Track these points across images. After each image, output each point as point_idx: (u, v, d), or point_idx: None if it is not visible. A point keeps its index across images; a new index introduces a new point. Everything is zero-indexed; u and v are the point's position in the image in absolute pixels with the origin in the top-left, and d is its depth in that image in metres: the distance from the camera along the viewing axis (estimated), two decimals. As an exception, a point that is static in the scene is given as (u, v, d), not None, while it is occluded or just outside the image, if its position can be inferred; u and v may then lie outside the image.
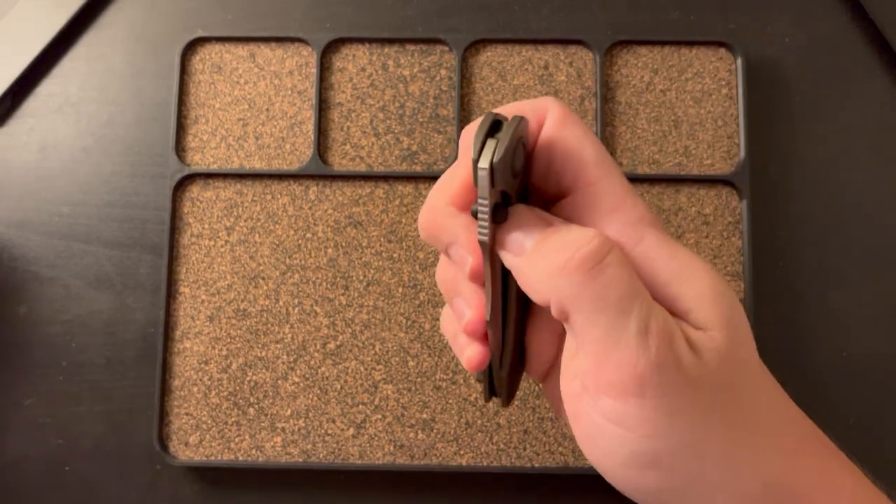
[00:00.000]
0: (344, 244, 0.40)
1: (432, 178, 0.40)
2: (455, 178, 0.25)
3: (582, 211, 0.23)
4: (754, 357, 0.23)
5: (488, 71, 0.41)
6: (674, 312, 0.22)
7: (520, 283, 0.23)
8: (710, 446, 0.21)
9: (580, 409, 0.23)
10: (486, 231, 0.23)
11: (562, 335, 0.26)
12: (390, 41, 0.42)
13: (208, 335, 0.39)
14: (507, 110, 0.24)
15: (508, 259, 0.23)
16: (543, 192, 0.25)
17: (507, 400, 0.29)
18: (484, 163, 0.21)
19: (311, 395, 0.39)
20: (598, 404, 0.22)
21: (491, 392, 0.29)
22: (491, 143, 0.21)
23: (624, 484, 0.23)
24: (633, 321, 0.21)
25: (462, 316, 0.25)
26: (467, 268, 0.24)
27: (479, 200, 0.22)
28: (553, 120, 0.24)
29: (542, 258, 0.22)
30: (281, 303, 0.39)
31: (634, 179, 0.39)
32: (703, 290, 0.22)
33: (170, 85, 0.42)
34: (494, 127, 0.22)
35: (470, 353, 0.26)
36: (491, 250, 0.24)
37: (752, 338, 0.23)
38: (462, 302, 0.25)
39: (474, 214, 0.23)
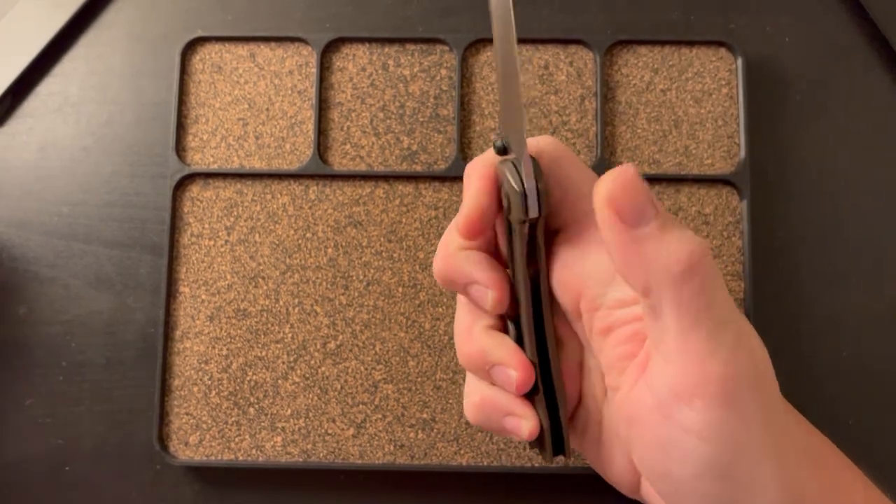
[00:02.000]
0: (344, 244, 0.40)
1: (432, 178, 0.40)
2: (461, 213, 0.24)
3: (582, 235, 0.23)
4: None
5: (488, 71, 0.41)
6: None
7: (621, 260, 0.21)
8: (767, 460, 0.21)
9: (649, 420, 0.22)
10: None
11: (581, 364, 0.26)
12: (390, 41, 0.42)
13: (208, 335, 0.39)
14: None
15: (614, 229, 0.21)
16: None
17: (570, 450, 0.27)
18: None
19: (311, 395, 0.39)
20: (677, 415, 0.21)
21: (557, 447, 0.26)
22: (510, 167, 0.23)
23: (691, 494, 0.22)
24: (729, 334, 0.20)
25: (508, 379, 0.24)
26: (490, 300, 0.23)
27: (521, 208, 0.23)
28: (549, 157, 0.24)
29: (663, 248, 0.20)
30: (281, 302, 0.39)
31: (634, 179, 0.40)
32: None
33: (170, 85, 0.42)
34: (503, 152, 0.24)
35: (530, 417, 0.24)
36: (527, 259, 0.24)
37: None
38: (500, 369, 0.24)
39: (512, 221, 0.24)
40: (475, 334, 0.25)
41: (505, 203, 0.24)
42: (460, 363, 0.27)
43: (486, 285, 0.24)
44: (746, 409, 0.21)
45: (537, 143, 0.25)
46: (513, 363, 0.24)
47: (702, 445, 0.21)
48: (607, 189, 0.20)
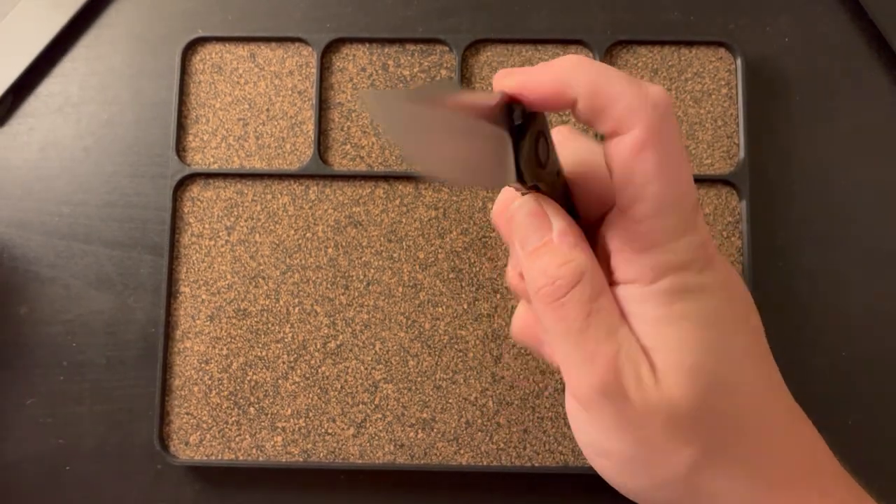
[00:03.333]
0: (344, 244, 0.40)
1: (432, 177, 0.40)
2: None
3: (616, 231, 0.23)
4: (733, 401, 0.22)
5: (488, 71, 0.41)
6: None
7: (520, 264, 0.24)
8: (658, 468, 0.22)
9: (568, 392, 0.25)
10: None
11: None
12: (390, 41, 0.42)
13: (209, 335, 0.39)
14: (602, 84, 0.21)
15: (513, 242, 0.24)
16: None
17: None
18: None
19: (311, 395, 0.39)
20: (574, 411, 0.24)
21: None
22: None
23: (594, 467, 0.25)
24: (579, 352, 0.22)
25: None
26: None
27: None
28: (633, 141, 0.21)
29: (530, 269, 0.23)
30: (281, 302, 0.39)
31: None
32: (675, 362, 0.22)
33: (170, 85, 0.42)
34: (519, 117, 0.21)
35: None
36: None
37: (736, 382, 0.22)
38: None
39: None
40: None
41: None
42: (509, 286, 0.28)
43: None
44: (607, 419, 0.22)
45: (629, 105, 0.22)
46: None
47: (582, 426, 0.24)
48: (514, 213, 0.24)
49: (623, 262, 0.22)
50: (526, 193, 0.24)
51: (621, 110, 0.20)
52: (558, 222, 0.23)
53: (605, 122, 0.21)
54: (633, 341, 0.22)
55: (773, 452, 0.23)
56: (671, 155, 0.21)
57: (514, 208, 0.24)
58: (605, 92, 0.21)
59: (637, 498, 0.24)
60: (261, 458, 0.38)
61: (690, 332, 0.22)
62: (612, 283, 0.23)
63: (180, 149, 0.41)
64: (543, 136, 0.22)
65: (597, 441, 0.23)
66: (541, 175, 0.22)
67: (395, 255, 0.40)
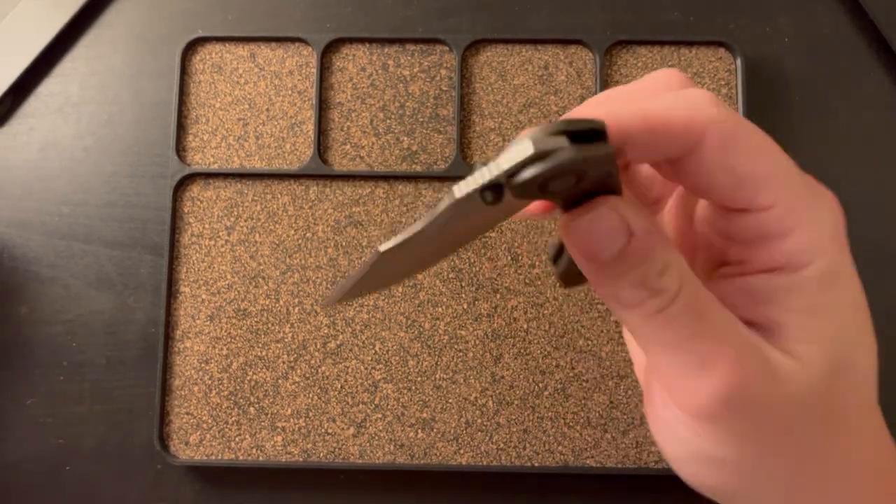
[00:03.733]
0: (344, 244, 0.40)
1: (432, 178, 0.40)
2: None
3: (740, 219, 0.20)
4: (860, 398, 0.20)
5: (488, 71, 0.41)
6: (763, 325, 0.20)
7: (591, 280, 0.20)
8: (775, 482, 0.20)
9: (655, 398, 0.22)
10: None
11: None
12: (390, 41, 0.42)
13: (209, 335, 0.39)
14: (654, 104, 0.19)
15: (576, 257, 0.20)
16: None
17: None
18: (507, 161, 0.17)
19: (311, 395, 0.39)
20: (672, 407, 0.21)
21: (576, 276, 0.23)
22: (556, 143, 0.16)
23: (692, 478, 0.22)
24: (694, 358, 0.19)
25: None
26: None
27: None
28: (710, 153, 0.19)
29: (611, 285, 0.20)
30: (281, 302, 0.39)
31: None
32: (825, 354, 0.20)
33: (170, 85, 0.42)
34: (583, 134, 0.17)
35: None
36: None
37: (867, 376, 0.20)
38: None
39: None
40: None
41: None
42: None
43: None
44: (733, 426, 0.19)
45: (694, 117, 0.20)
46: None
47: (694, 438, 0.21)
48: (573, 228, 0.19)
49: (760, 251, 0.20)
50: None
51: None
52: (638, 220, 0.19)
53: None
54: (750, 336, 0.20)
55: (865, 460, 0.21)
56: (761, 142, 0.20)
57: (564, 220, 0.19)
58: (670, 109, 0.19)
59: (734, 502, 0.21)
60: (261, 458, 0.38)
61: (845, 322, 0.20)
62: (742, 273, 0.20)
63: (180, 149, 0.41)
64: (577, 174, 0.18)
65: (715, 452, 0.20)
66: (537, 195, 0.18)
67: (395, 255, 0.40)
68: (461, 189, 0.17)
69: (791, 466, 0.20)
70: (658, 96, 0.20)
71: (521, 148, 0.16)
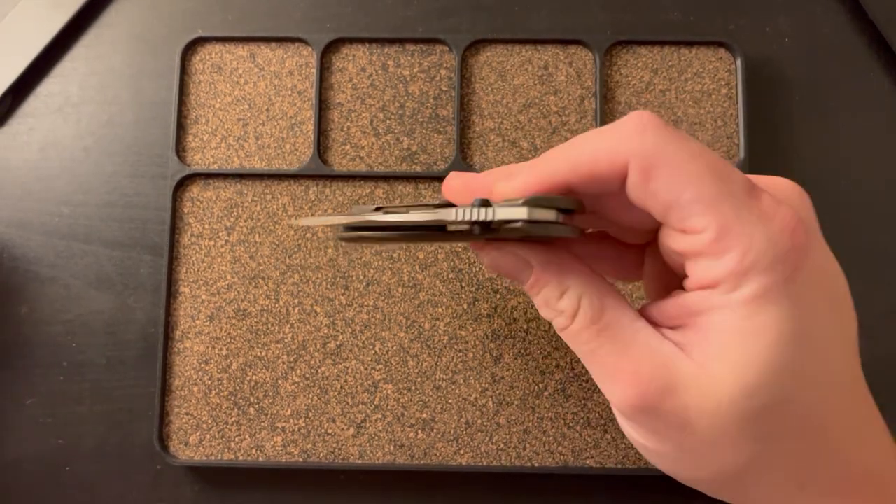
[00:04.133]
0: (344, 244, 0.40)
1: (432, 178, 0.40)
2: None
3: (676, 237, 0.22)
4: (789, 426, 0.21)
5: (488, 71, 0.41)
6: (690, 338, 0.22)
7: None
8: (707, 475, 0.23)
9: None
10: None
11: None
12: (390, 41, 0.42)
13: (208, 335, 0.39)
14: (584, 151, 0.22)
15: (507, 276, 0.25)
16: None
17: None
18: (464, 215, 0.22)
19: (311, 395, 0.39)
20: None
21: None
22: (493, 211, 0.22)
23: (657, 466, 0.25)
24: (602, 371, 0.22)
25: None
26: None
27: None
28: (633, 184, 0.21)
29: (535, 303, 0.24)
30: (281, 303, 0.39)
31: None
32: (734, 376, 0.21)
33: (170, 85, 0.42)
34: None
35: None
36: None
37: (809, 408, 0.21)
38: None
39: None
40: None
41: None
42: None
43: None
44: (642, 431, 0.22)
45: (617, 149, 0.23)
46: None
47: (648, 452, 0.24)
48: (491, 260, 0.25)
49: (697, 267, 0.21)
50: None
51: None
52: (534, 256, 0.23)
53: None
54: (659, 350, 0.21)
55: (836, 457, 0.22)
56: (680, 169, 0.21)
57: (483, 261, 0.25)
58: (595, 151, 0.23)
59: (697, 487, 0.24)
60: (261, 459, 0.38)
61: (765, 350, 0.20)
62: (686, 287, 0.22)
63: (180, 149, 0.41)
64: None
65: (644, 444, 0.23)
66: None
67: (394, 255, 0.40)
68: (458, 216, 0.22)
69: (721, 464, 0.22)
70: (589, 137, 0.22)
71: (517, 210, 0.21)
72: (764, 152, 0.41)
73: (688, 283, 0.22)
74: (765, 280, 0.20)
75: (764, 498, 0.22)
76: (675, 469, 0.23)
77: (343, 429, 0.38)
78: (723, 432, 0.21)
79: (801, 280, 0.20)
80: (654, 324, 0.23)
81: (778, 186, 0.23)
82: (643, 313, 0.23)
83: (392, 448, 0.38)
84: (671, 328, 0.22)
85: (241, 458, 0.38)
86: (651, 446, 0.23)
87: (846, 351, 0.22)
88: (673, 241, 0.22)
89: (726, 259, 0.20)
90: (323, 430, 0.38)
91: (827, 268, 0.22)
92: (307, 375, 0.39)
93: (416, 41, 0.42)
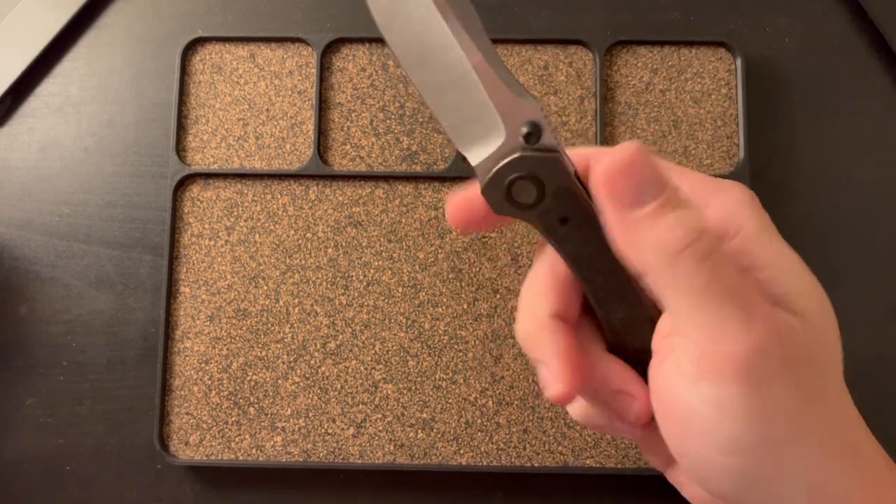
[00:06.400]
0: (344, 244, 0.40)
1: (432, 178, 0.40)
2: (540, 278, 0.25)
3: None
4: (836, 361, 0.22)
5: (488, 71, 0.41)
6: (768, 295, 0.22)
7: (620, 240, 0.22)
8: (796, 445, 0.21)
9: (674, 392, 0.22)
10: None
11: None
12: (390, 41, 0.42)
13: (209, 335, 0.39)
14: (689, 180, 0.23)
15: (612, 210, 0.21)
16: None
17: None
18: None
19: (311, 395, 0.39)
20: (698, 389, 0.21)
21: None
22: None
23: (710, 471, 0.22)
24: (738, 310, 0.20)
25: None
26: (551, 392, 0.23)
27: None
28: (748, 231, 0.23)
29: (658, 229, 0.21)
30: (281, 303, 0.39)
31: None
32: (800, 277, 0.23)
33: (170, 85, 0.42)
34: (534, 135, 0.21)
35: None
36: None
37: (838, 339, 0.23)
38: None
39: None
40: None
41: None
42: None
43: (557, 378, 0.23)
44: (769, 389, 0.20)
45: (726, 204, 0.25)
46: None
47: (723, 421, 0.21)
48: (605, 170, 0.21)
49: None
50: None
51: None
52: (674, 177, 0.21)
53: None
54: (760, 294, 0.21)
55: (845, 420, 0.23)
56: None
57: (606, 161, 0.21)
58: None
59: (721, 476, 0.22)
60: (261, 458, 0.38)
61: (796, 256, 0.24)
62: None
63: (180, 149, 0.41)
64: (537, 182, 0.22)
65: (731, 432, 0.21)
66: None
67: (394, 255, 0.40)
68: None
69: (813, 442, 0.21)
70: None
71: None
72: (764, 152, 0.41)
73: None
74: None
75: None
76: (757, 469, 0.21)
77: (343, 428, 0.38)
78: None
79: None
80: None
81: (729, 191, 0.24)
82: None
83: (392, 448, 0.38)
84: None
85: (241, 457, 0.38)
86: (749, 425, 0.21)
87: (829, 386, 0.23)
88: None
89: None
90: (323, 430, 0.38)
91: (790, 326, 0.22)
92: (307, 375, 0.39)
93: (416, 41, 0.42)
